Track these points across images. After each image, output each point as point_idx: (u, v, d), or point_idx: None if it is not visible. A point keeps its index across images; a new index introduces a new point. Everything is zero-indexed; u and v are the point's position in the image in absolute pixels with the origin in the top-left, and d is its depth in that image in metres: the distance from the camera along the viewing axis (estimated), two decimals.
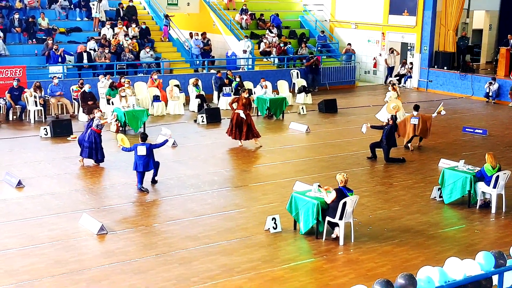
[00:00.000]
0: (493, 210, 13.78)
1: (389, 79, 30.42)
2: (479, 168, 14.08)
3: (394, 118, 17.97)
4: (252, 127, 18.94)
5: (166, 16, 29.89)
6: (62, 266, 10.69)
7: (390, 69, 31.76)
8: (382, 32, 32.13)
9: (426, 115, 19.36)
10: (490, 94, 27.24)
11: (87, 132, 16.47)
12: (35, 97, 21.72)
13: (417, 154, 18.73)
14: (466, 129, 21.40)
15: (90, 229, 12.18)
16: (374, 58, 32.54)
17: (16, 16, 26.67)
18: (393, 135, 17.68)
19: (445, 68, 29.69)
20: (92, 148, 16.39)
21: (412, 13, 30.46)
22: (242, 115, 18.60)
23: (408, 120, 19.02)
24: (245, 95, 19.08)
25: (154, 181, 15.23)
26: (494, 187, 13.67)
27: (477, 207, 14.01)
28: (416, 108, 19.10)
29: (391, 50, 31.58)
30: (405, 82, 30.78)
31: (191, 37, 29.75)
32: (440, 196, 14.53)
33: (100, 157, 16.58)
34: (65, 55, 25.60)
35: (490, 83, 27.14)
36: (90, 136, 16.34)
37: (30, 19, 26.78)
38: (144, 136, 15.09)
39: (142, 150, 14.59)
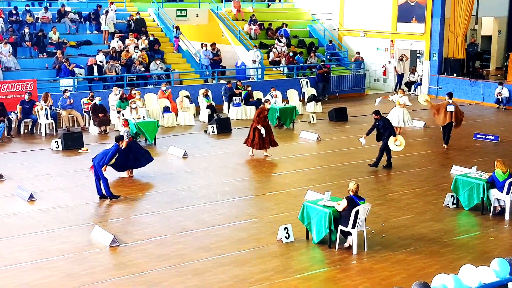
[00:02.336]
0: (507, 216, 13.68)
1: (412, 90, 30.43)
2: (490, 174, 14.01)
3: (377, 112, 17.80)
4: (271, 137, 18.90)
5: (177, 28, 29.99)
6: (74, 279, 10.68)
7: (400, 77, 31.71)
8: (391, 40, 32.09)
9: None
10: (501, 99, 27.14)
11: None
12: (45, 109, 21.80)
13: (429, 161, 18.64)
14: (478, 136, 21.30)
15: (102, 242, 12.18)
16: (384, 66, 32.50)
17: (27, 30, 26.83)
18: (388, 127, 17.55)
19: (455, 74, 29.60)
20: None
21: (421, 21, 30.43)
22: (263, 131, 18.55)
23: (444, 107, 19.27)
24: (268, 105, 19.15)
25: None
26: (508, 193, 13.58)
27: (491, 214, 13.91)
28: (450, 95, 19.53)
29: (401, 58, 31.54)
30: (415, 89, 30.70)
31: (204, 47, 29.80)
32: (454, 203, 14.45)
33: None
34: (74, 69, 25.69)
35: (499, 93, 27.02)
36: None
37: (40, 33, 26.93)
38: (118, 137, 15.29)
39: (109, 146, 15.19)
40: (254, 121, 18.95)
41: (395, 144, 17.41)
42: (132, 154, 16.42)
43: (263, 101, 20.30)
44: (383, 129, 17.47)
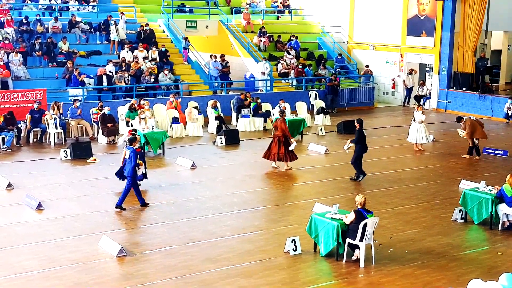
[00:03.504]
0: None
1: (422, 103, 30.42)
2: (499, 189, 13.96)
3: (360, 121, 17.83)
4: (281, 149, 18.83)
5: (186, 39, 30.10)
6: None
7: (409, 90, 31.69)
8: (400, 53, 32.11)
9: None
10: (510, 114, 27.08)
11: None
12: (55, 119, 21.88)
13: (438, 175, 18.60)
14: (487, 150, 21.24)
15: (110, 252, 12.19)
16: (393, 79, 32.49)
17: (37, 40, 26.98)
18: (362, 140, 17.63)
19: (464, 89, 29.56)
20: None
21: (430, 34, 30.44)
22: (293, 147, 18.58)
23: (474, 124, 20.24)
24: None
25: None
26: None
27: (499, 229, 13.85)
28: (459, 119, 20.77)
29: (410, 72, 31.53)
30: (424, 103, 30.67)
31: (213, 58, 29.87)
32: (462, 218, 14.40)
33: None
34: (84, 78, 25.77)
35: (509, 108, 27.02)
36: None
37: (50, 43, 27.06)
38: (131, 139, 15.25)
39: (126, 153, 14.98)
40: (279, 131, 18.74)
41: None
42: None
43: (278, 112, 20.00)
44: (357, 140, 17.55)
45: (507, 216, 13.88)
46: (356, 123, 17.93)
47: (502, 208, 13.79)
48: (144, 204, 15.14)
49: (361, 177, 17.74)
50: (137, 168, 15.01)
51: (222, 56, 30.05)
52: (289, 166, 18.84)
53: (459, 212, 14.45)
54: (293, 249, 12.33)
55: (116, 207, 14.90)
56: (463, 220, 14.39)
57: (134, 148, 15.05)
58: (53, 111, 22.27)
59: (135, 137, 15.50)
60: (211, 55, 30.13)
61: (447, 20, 29.72)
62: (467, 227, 14.10)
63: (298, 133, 23.37)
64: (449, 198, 16.14)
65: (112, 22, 28.88)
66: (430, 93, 30.95)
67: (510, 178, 13.65)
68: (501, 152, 21.16)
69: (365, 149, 17.83)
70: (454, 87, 29.96)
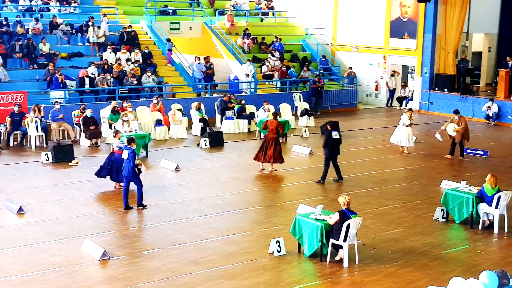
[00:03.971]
0: (496, 230, 13.76)
1: (404, 105, 30.56)
2: (479, 188, 14.09)
3: (330, 124, 17.76)
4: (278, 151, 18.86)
5: (169, 40, 30.06)
6: None
7: (392, 92, 31.87)
8: (383, 55, 32.27)
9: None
10: (490, 115, 27.32)
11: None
12: (36, 122, 21.75)
13: (419, 175, 18.71)
14: (468, 151, 21.39)
15: (93, 255, 12.13)
16: (376, 81, 32.66)
17: (18, 42, 26.78)
18: (329, 143, 17.46)
19: (446, 90, 29.79)
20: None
21: (413, 37, 30.63)
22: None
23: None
24: (279, 118, 19.26)
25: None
26: (496, 207, 13.67)
27: (480, 228, 13.97)
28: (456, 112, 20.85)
29: (392, 73, 31.72)
30: (406, 105, 30.83)
31: (198, 60, 29.85)
32: (443, 217, 14.51)
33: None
34: (66, 81, 25.65)
35: (489, 107, 27.26)
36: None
37: (31, 45, 26.90)
38: (130, 139, 15.24)
39: (125, 154, 14.96)
40: (269, 133, 18.73)
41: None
42: (115, 167, 16.44)
43: (271, 113, 19.94)
44: (327, 141, 17.45)
45: (487, 215, 14.02)
46: (327, 126, 17.74)
47: (483, 207, 13.92)
48: (127, 207, 15.11)
49: (321, 181, 17.58)
50: (136, 168, 14.99)
51: (206, 58, 30.04)
52: (274, 168, 18.88)
53: (441, 211, 14.57)
54: (277, 250, 12.36)
55: (138, 207, 15.10)
56: (444, 220, 14.50)
57: (133, 148, 15.04)
58: (34, 113, 22.11)
59: (133, 138, 15.49)
60: (195, 57, 30.12)
61: (429, 23, 29.93)
62: (449, 227, 14.21)
63: (283, 135, 23.39)
64: (431, 198, 16.25)
65: (90, 23, 28.77)
66: (412, 94, 31.14)
67: (491, 178, 13.79)
68: (482, 153, 21.35)
69: (333, 152, 17.49)
70: (436, 89, 30.18)
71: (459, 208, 14.14)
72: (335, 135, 17.46)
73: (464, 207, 14.07)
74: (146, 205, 15.21)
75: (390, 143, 21.92)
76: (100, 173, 16.75)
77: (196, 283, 11.08)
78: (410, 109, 22.09)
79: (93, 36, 28.69)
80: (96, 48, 28.79)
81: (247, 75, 29.77)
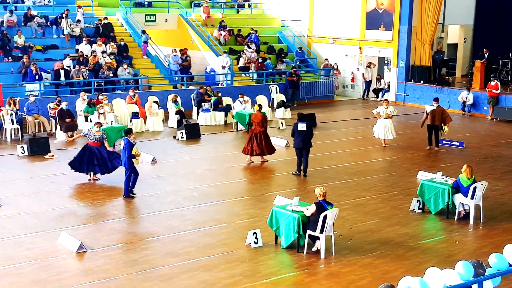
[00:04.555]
0: (471, 221, 13.89)
1: (380, 96, 30.66)
2: (455, 179, 14.21)
3: (298, 116, 17.62)
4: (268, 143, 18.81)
5: (143, 32, 29.88)
6: (41, 286, 10.57)
7: (368, 83, 32.02)
8: (359, 47, 32.38)
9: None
10: (466, 105, 27.53)
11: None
12: (11, 114, 21.53)
13: (396, 166, 18.84)
14: (443, 142, 21.57)
15: (69, 248, 12.06)
16: (352, 73, 32.77)
17: None
18: (294, 134, 17.31)
19: (422, 81, 29.99)
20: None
21: (389, 28, 30.77)
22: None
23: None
24: (262, 111, 19.22)
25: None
26: (472, 198, 13.79)
27: (455, 218, 14.11)
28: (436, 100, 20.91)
29: (368, 65, 31.86)
30: (382, 96, 30.98)
31: (175, 51, 29.72)
32: (419, 208, 14.63)
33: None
34: (41, 73, 25.42)
35: (465, 100, 27.46)
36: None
37: (5, 37, 26.59)
38: (127, 130, 15.41)
39: (122, 144, 15.19)
40: (256, 126, 18.67)
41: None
42: (97, 159, 16.37)
43: (256, 106, 19.76)
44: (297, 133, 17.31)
45: (463, 206, 14.15)
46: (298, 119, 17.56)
47: (458, 198, 14.05)
48: (128, 196, 15.21)
49: (297, 172, 17.50)
50: (133, 159, 15.04)
51: (183, 50, 29.92)
52: (266, 159, 18.94)
53: (417, 202, 14.68)
54: (254, 241, 12.38)
55: (124, 197, 15.17)
56: (420, 210, 14.62)
57: (129, 139, 15.04)
58: (10, 106, 21.89)
59: (130, 129, 15.64)
60: (172, 49, 29.98)
61: (404, 14, 30.08)
62: (425, 217, 14.33)
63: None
64: (407, 189, 16.36)
65: (64, 15, 28.52)
66: (389, 86, 31.30)
67: (466, 168, 13.91)
68: (458, 143, 21.54)
69: (302, 144, 17.21)
70: (412, 80, 30.37)
71: (435, 199, 14.26)
72: (301, 127, 17.18)
73: (440, 198, 14.18)
74: (135, 195, 15.36)
75: (367, 135, 22.02)
76: (75, 166, 16.63)
77: (173, 275, 11.07)
78: (386, 100, 22.12)
79: (66, 28, 28.43)
80: (70, 40, 28.47)
81: (223, 67, 29.71)
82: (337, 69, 32.57)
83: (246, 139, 19.22)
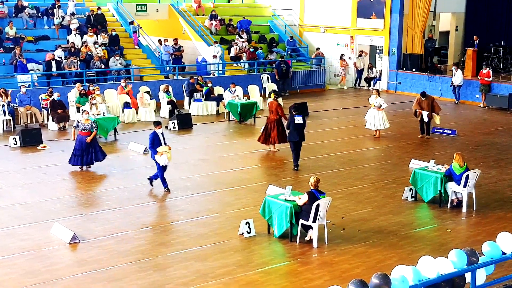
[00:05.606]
0: (464, 209, 13.93)
1: (372, 85, 30.66)
2: (448, 167, 14.24)
3: (295, 107, 17.40)
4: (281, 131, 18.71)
5: (131, 23, 29.75)
6: (34, 277, 10.56)
7: (360, 72, 32.00)
8: (350, 36, 32.35)
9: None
10: (455, 85, 27.27)
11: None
12: (3, 106, 21.43)
13: (388, 155, 18.87)
14: (436, 130, 21.61)
15: (62, 238, 12.05)
16: (339, 61, 32.70)
17: None
18: (293, 126, 17.06)
19: (414, 70, 30.00)
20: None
21: (380, 16, 30.74)
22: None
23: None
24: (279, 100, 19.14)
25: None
26: (465, 186, 13.82)
27: (448, 207, 14.15)
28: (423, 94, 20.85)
29: (360, 53, 31.83)
30: (374, 85, 30.99)
31: (160, 43, 29.67)
32: (412, 197, 14.66)
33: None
34: (31, 64, 25.24)
35: (453, 82, 27.39)
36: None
37: None
38: (157, 122, 15.35)
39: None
40: (273, 114, 18.58)
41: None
42: (82, 149, 16.61)
43: (272, 94, 19.64)
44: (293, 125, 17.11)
45: (455, 194, 14.19)
46: (292, 109, 17.33)
47: (451, 186, 14.08)
48: (166, 188, 15.13)
49: (294, 168, 17.38)
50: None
51: (175, 40, 29.82)
52: (276, 149, 18.90)
53: (409, 191, 14.71)
54: (247, 231, 12.39)
55: (166, 190, 15.07)
56: (413, 199, 14.65)
57: (156, 131, 14.99)
58: (1, 98, 21.78)
59: (159, 122, 15.49)
60: (163, 40, 29.87)
61: (396, 2, 30.04)
62: (417, 206, 14.37)
63: (251, 116, 23.41)
64: (399, 178, 16.40)
65: (57, 6, 28.37)
66: (380, 74, 31.30)
67: (457, 156, 13.93)
68: (450, 132, 21.58)
69: (296, 138, 17.01)
70: (404, 68, 30.38)
71: (428, 188, 14.29)
72: (298, 119, 16.98)
73: (432, 186, 14.22)
74: (153, 186, 15.32)
75: (359, 124, 22.03)
76: (73, 161, 16.72)
77: (166, 265, 11.08)
78: (377, 90, 22.09)
79: (57, 18, 28.28)
80: (61, 29, 28.30)
81: (214, 57, 29.63)
82: (343, 59, 32.11)
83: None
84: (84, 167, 16.82)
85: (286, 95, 28.85)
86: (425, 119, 20.66)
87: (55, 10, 28.31)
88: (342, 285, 7.64)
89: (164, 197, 14.75)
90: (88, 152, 16.60)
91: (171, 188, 15.27)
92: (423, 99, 20.62)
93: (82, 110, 21.15)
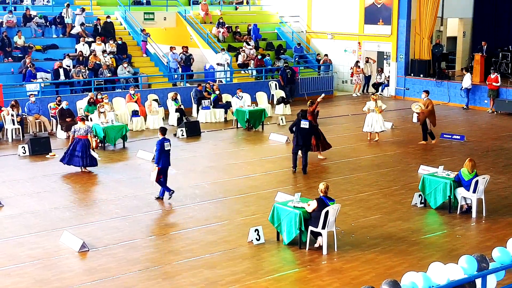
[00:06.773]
0: (474, 214, 13.88)
1: (380, 91, 30.65)
2: (457, 173, 14.19)
3: (302, 112, 17.41)
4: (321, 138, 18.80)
5: (143, 31, 29.86)
6: (44, 285, 10.58)
7: (367, 78, 31.98)
8: (358, 42, 32.34)
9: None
10: (463, 88, 27.28)
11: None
12: (12, 115, 21.52)
13: (397, 161, 18.83)
14: (444, 135, 21.56)
15: (72, 247, 12.07)
16: (351, 68, 32.71)
17: None
18: (298, 130, 17.08)
19: (421, 75, 29.95)
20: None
21: (387, 22, 30.73)
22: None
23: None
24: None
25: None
26: (474, 191, 13.77)
27: (458, 212, 14.10)
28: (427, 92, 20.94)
29: (367, 60, 31.82)
30: (382, 91, 30.97)
31: (171, 51, 29.75)
32: (421, 203, 14.62)
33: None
34: (37, 73, 25.35)
35: (465, 87, 27.36)
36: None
37: (6, 38, 26.58)
38: (164, 130, 15.33)
39: (168, 145, 15.02)
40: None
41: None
42: (76, 150, 17.19)
43: (309, 102, 19.53)
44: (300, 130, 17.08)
45: (465, 200, 14.14)
46: (299, 114, 17.41)
47: (460, 192, 14.04)
48: (170, 192, 15.15)
49: (293, 170, 17.40)
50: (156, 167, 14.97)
51: (184, 48, 29.91)
52: (324, 156, 18.85)
53: (419, 197, 14.66)
54: (256, 238, 12.38)
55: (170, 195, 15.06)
56: (422, 205, 14.60)
57: (163, 137, 15.07)
58: (13, 109, 21.83)
59: (165, 129, 15.55)
60: (170, 47, 29.96)
61: (403, 8, 30.04)
62: (427, 212, 14.32)
63: (260, 123, 23.42)
64: (408, 184, 16.36)
65: (67, 9, 28.64)
66: (388, 80, 31.27)
67: (468, 162, 13.87)
68: (458, 137, 21.51)
69: (300, 142, 17.05)
70: (412, 74, 30.34)
71: (437, 193, 14.24)
72: (304, 124, 17.05)
73: (442, 192, 14.16)
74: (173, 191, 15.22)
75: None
76: (66, 161, 17.28)
77: (176, 272, 11.07)
78: (375, 94, 22.11)
79: (67, 17, 28.48)
80: (68, 40, 28.46)
81: (218, 64, 29.68)
82: (358, 66, 31.97)
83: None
84: (83, 168, 17.32)
85: (291, 101, 28.70)
86: (414, 119, 20.78)
87: (64, 13, 28.50)
88: None
89: (173, 205, 14.75)
90: (86, 155, 17.13)
91: (179, 196, 15.27)
92: (423, 97, 20.82)
93: (90, 118, 21.32)
